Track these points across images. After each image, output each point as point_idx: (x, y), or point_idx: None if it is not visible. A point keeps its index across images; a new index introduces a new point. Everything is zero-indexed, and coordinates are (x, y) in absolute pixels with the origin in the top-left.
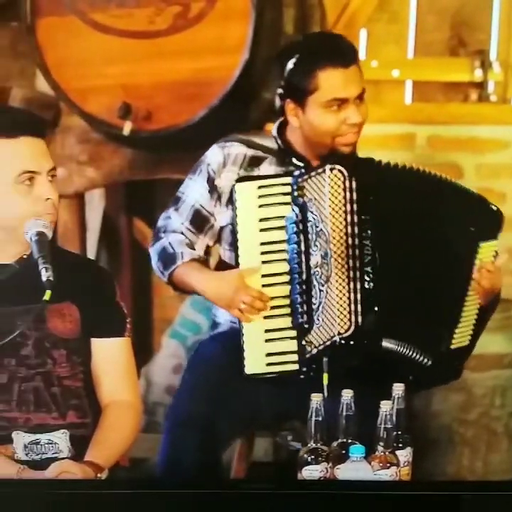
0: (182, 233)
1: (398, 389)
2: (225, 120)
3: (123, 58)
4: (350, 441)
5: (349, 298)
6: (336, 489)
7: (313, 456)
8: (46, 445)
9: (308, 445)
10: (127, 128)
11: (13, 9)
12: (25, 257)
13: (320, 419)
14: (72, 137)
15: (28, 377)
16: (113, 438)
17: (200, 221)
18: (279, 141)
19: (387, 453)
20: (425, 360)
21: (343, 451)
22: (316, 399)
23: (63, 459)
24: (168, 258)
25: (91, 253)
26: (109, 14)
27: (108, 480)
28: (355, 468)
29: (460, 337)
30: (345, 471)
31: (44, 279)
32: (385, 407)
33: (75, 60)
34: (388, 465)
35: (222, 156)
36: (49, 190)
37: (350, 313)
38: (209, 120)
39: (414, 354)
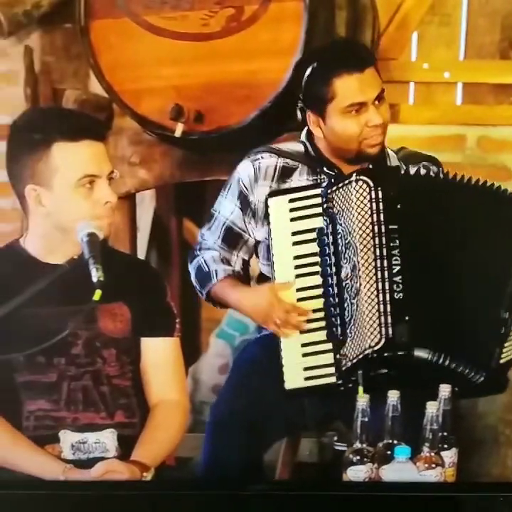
0: (216, 250)
1: (444, 390)
2: (275, 122)
3: (176, 60)
4: (395, 442)
5: (378, 310)
6: (381, 490)
7: (358, 457)
8: (93, 444)
9: (354, 446)
10: (179, 129)
11: (67, 11)
12: (76, 257)
13: (366, 420)
14: (124, 139)
15: (78, 376)
16: (160, 437)
17: (232, 238)
18: (310, 148)
19: (432, 454)
20: (477, 376)
21: (388, 452)
22: (363, 400)
23: (110, 458)
24: (203, 277)
25: (141, 253)
26: (163, 16)
27: (154, 480)
28: (400, 469)
29: (508, 350)
30: (390, 472)
31: (94, 279)
32: (432, 408)
33: (129, 62)
34: (433, 466)
35: (253, 170)
36: (108, 194)
37: (380, 325)
38: (260, 122)
39: (464, 369)
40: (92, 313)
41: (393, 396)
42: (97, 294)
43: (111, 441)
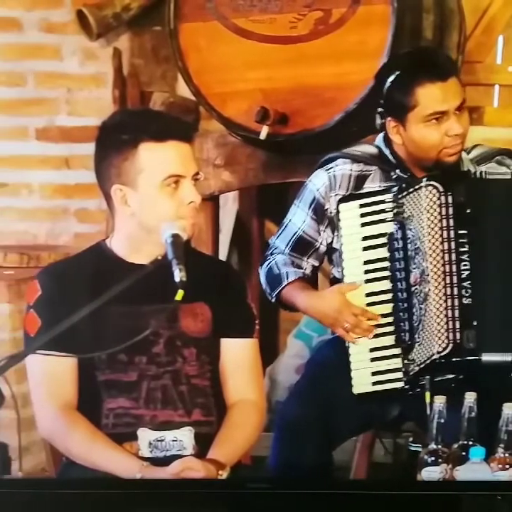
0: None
1: None
2: (359, 124)
3: (263, 63)
4: (471, 443)
5: (447, 315)
6: (455, 490)
7: (433, 458)
8: (171, 442)
9: (429, 447)
10: (264, 132)
11: (157, 14)
12: (159, 258)
13: (442, 421)
14: (209, 141)
15: (158, 375)
16: (237, 436)
17: (302, 247)
18: (388, 153)
19: (507, 454)
20: None
21: (463, 453)
22: (439, 401)
23: (187, 456)
24: (273, 280)
25: (223, 255)
26: (252, 19)
27: (229, 479)
28: (474, 470)
29: None
30: (464, 473)
31: (177, 279)
32: (508, 409)
33: (216, 65)
34: (507, 466)
35: (328, 179)
36: (193, 194)
37: (448, 331)
38: (344, 124)
39: None
40: (174, 313)
41: (470, 397)
42: (179, 294)
43: (188, 439)
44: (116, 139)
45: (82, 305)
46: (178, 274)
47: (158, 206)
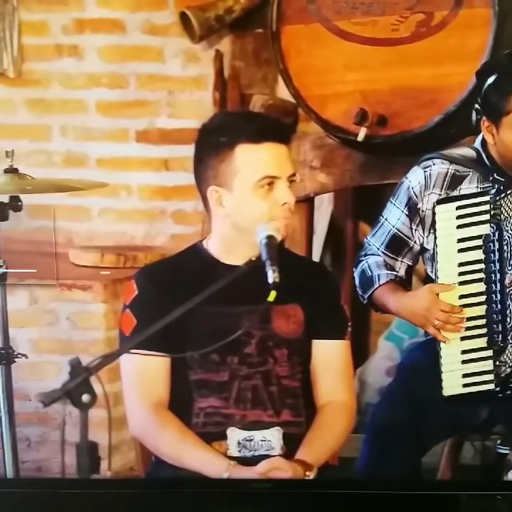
0: (380, 256)
1: None
2: (457, 126)
3: (363, 65)
4: None
5: None
6: (455, 490)
7: None
8: (259, 442)
9: None
10: (362, 133)
11: (259, 16)
12: (253, 259)
13: None
14: (307, 143)
15: (249, 375)
16: (326, 437)
17: (397, 245)
18: (483, 155)
19: None
20: None
21: None
22: None
23: (275, 456)
24: (366, 282)
25: (316, 256)
26: (354, 22)
27: (316, 479)
28: None
29: None
30: None
31: (270, 280)
32: None
33: (317, 67)
34: None
35: (424, 178)
36: (287, 195)
37: None
38: (443, 126)
39: None
40: (266, 314)
41: None
42: (272, 295)
43: (276, 440)
44: (214, 141)
45: (177, 305)
46: (272, 276)
47: (252, 207)
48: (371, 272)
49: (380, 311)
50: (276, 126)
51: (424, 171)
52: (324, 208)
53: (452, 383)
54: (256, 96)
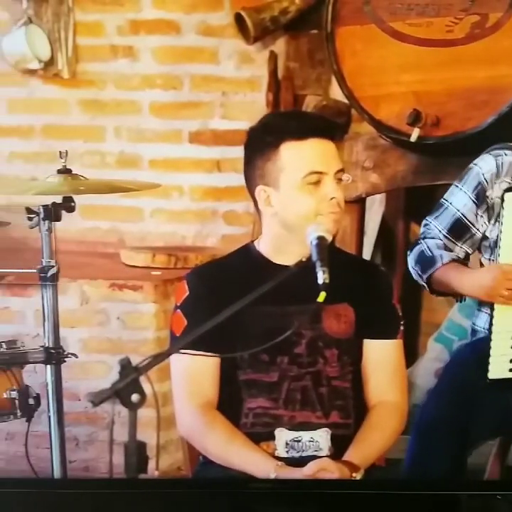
0: (440, 239)
1: None
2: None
3: (417, 66)
4: None
5: None
6: (455, 490)
7: None
8: (307, 443)
9: None
10: (415, 134)
11: (314, 17)
12: (303, 260)
13: None
14: (359, 144)
15: (299, 376)
16: (375, 438)
17: (459, 230)
18: None
19: None
20: None
21: None
22: None
23: (322, 457)
24: (426, 261)
25: (366, 256)
26: (409, 23)
27: (363, 479)
28: None
29: None
30: None
31: (320, 281)
32: None
33: (371, 68)
34: None
35: (496, 165)
36: (334, 190)
37: None
38: (496, 126)
39: None
40: (317, 314)
41: None
42: (322, 296)
43: (324, 441)
44: (260, 142)
45: (228, 306)
46: (322, 276)
47: (298, 203)
48: (431, 252)
49: (436, 293)
50: (320, 122)
51: (496, 159)
52: (375, 209)
53: (498, 367)
54: (309, 97)
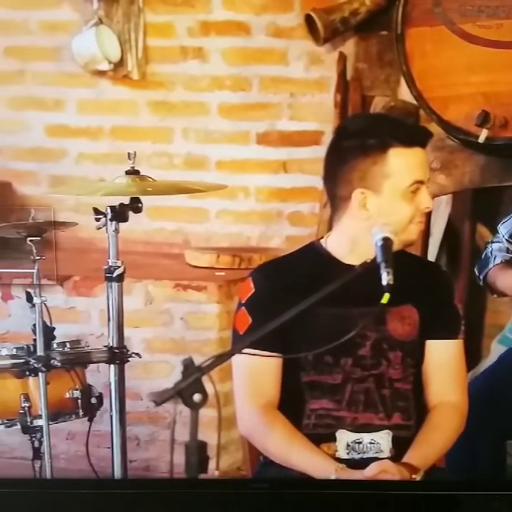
0: (502, 243)
1: None
2: None
3: (486, 67)
4: None
5: None
6: (455, 490)
7: None
8: (368, 444)
9: None
10: (483, 135)
11: (384, 18)
12: (368, 261)
13: None
14: (427, 145)
15: (362, 378)
16: (436, 439)
17: None
18: None
19: None
20: None
21: None
22: None
23: (383, 459)
24: (482, 263)
25: (431, 257)
26: (479, 24)
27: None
28: None
29: None
30: None
31: (384, 282)
32: None
33: (440, 69)
34: None
35: None
36: (428, 200)
37: None
38: None
39: None
40: (381, 316)
41: None
42: (386, 298)
43: (386, 442)
44: (361, 143)
45: (293, 305)
46: (386, 278)
47: (398, 211)
48: (491, 254)
49: (491, 292)
50: (424, 132)
51: None
52: (442, 210)
53: None
54: (377, 98)
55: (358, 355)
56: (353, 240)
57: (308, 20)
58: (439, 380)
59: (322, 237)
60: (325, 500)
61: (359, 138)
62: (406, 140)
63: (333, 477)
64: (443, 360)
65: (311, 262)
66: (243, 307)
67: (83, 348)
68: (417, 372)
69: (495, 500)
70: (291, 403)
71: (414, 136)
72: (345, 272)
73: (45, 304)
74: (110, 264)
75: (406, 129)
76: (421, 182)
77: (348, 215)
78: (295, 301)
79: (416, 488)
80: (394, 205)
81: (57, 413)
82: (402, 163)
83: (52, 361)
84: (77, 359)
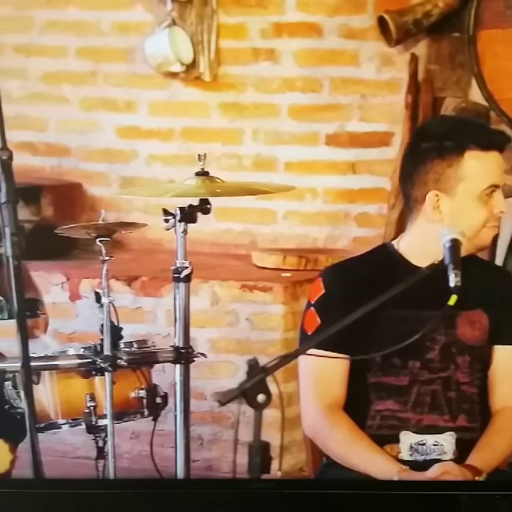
0: None
1: None
2: None
3: None
4: None
5: None
6: (455, 490)
7: None
8: (432, 446)
9: None
10: None
11: (456, 20)
12: (436, 263)
13: None
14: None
15: (429, 380)
16: (499, 443)
17: None
18: None
19: None
20: None
21: None
22: None
23: (446, 460)
24: None
25: (499, 260)
26: None
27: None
28: None
29: None
30: None
31: (452, 284)
32: None
33: (511, 71)
34: None
35: None
36: (503, 204)
37: None
38: None
39: None
40: (451, 320)
41: None
42: (453, 299)
43: (449, 444)
44: (438, 146)
45: (362, 306)
46: (454, 279)
47: (473, 214)
48: None
49: None
50: (501, 136)
51: None
52: (510, 212)
53: None
54: (448, 99)
55: (427, 358)
56: (424, 242)
57: (381, 22)
58: (505, 385)
59: (395, 239)
60: (387, 502)
61: (437, 140)
62: (484, 143)
63: (395, 479)
64: (510, 365)
65: (381, 264)
66: (312, 308)
67: (149, 347)
68: (484, 376)
69: (495, 500)
70: (356, 404)
71: (493, 139)
72: (412, 274)
73: (112, 304)
74: (178, 264)
75: (484, 132)
76: (496, 186)
77: (421, 218)
78: (364, 303)
79: (416, 488)
80: (468, 209)
81: (122, 412)
82: (478, 167)
83: (118, 361)
84: (144, 359)
